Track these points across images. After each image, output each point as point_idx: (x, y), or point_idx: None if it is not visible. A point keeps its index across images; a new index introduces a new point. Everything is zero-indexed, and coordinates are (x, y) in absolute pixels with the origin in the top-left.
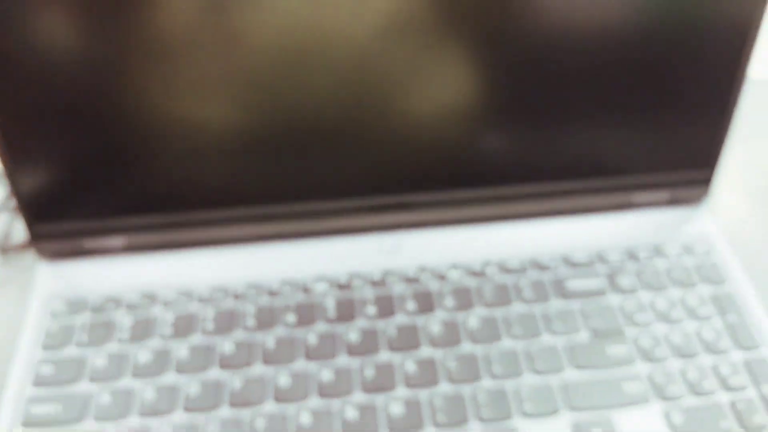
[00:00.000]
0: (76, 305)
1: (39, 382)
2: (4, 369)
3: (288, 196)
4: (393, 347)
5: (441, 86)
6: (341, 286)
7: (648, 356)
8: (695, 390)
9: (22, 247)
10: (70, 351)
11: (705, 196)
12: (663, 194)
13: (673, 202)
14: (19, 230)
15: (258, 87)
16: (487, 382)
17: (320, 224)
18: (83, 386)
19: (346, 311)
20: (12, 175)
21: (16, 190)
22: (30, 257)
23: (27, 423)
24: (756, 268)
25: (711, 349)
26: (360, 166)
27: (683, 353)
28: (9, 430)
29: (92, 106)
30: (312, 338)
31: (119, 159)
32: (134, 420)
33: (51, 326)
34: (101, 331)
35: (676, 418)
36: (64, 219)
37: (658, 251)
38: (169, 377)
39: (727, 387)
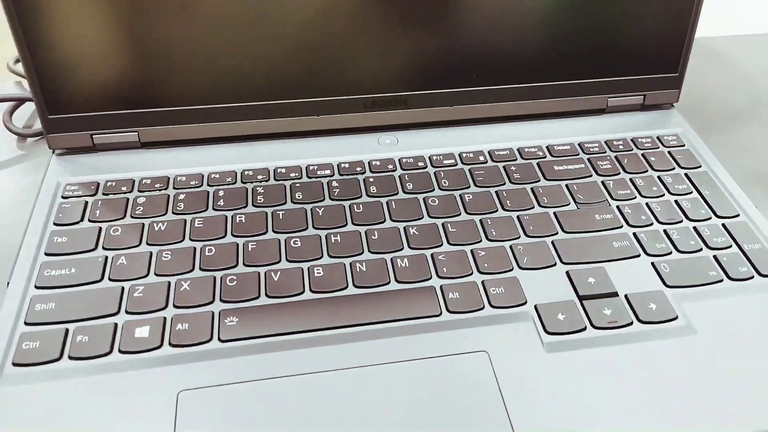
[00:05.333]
0: (86, 187)
1: (52, 250)
2: (12, 246)
3: (294, 94)
4: (394, 218)
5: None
6: (344, 170)
7: (633, 221)
8: (680, 247)
9: (35, 137)
10: (83, 225)
11: (675, 101)
12: (637, 98)
13: (646, 107)
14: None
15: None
16: (485, 243)
17: (321, 121)
18: (98, 252)
19: (349, 189)
20: (31, 68)
21: (33, 83)
22: (44, 150)
23: (41, 286)
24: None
25: (692, 216)
26: (360, 69)
27: (666, 219)
28: (23, 294)
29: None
30: (318, 211)
31: (134, 57)
32: (151, 278)
33: (62, 204)
34: (114, 208)
35: (664, 269)
36: (78, 113)
37: (634, 142)
38: (183, 244)
39: (711, 246)
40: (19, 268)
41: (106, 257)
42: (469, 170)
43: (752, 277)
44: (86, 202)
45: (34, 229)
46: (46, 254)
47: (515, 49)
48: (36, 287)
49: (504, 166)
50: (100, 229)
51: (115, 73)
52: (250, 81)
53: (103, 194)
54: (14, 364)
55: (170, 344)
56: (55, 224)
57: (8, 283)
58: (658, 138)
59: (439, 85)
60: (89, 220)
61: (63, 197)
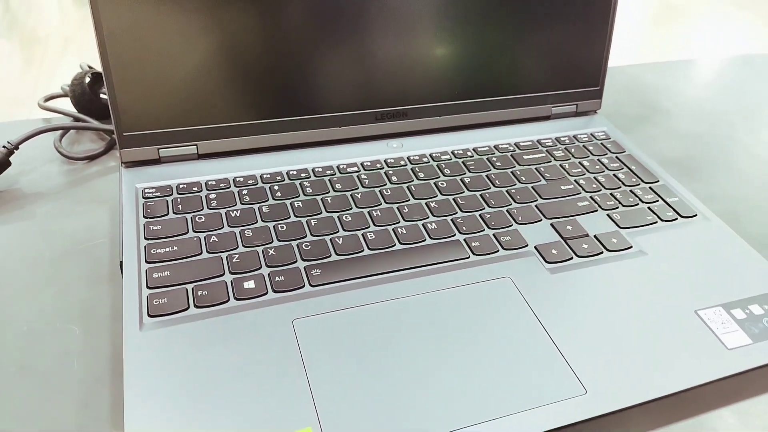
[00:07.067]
0: (162, 190)
1: (151, 236)
2: (99, 240)
3: (321, 110)
4: (416, 197)
5: (422, 36)
6: (367, 167)
7: (588, 189)
8: (623, 203)
9: (83, 160)
10: (171, 216)
11: (598, 108)
12: (571, 107)
13: (579, 113)
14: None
15: (294, 33)
16: (488, 209)
17: (342, 131)
18: (192, 234)
19: (376, 179)
20: (113, 94)
21: (113, 106)
22: (93, 170)
23: (152, 261)
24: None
25: (627, 183)
26: (372, 88)
27: (610, 186)
28: (138, 268)
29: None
30: (357, 196)
31: (194, 83)
32: (241, 249)
33: (147, 203)
34: (193, 203)
35: (617, 217)
36: (146, 130)
37: (576, 138)
38: (258, 224)
39: (644, 201)
40: (126, 250)
41: (200, 237)
42: (463, 162)
43: (676, 218)
44: (167, 201)
45: (127, 222)
46: (146, 238)
47: (485, 73)
48: (147, 262)
49: (487, 158)
50: (186, 218)
51: (178, 96)
52: (286, 100)
53: (179, 194)
54: (150, 315)
55: (273, 291)
56: (145, 217)
57: (121, 262)
58: (591, 134)
59: (431, 100)
60: (174, 213)
61: (144, 197)
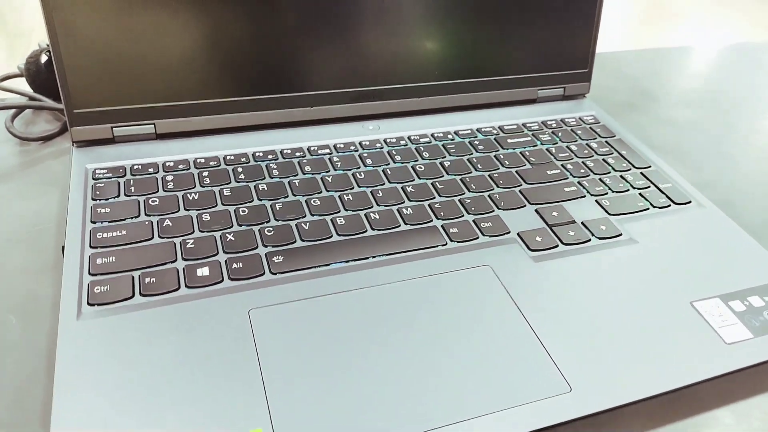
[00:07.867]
0: (115, 171)
1: (98, 219)
2: (46, 225)
3: (291, 88)
4: (392, 181)
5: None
6: (340, 149)
7: (575, 174)
8: (613, 189)
9: (37, 141)
10: (122, 199)
11: (587, 92)
12: (559, 90)
13: (566, 97)
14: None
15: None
16: (468, 194)
17: (314, 111)
18: (143, 218)
19: (349, 162)
20: (61, 67)
21: (61, 80)
22: (47, 152)
23: (96, 246)
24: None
25: (617, 169)
26: (347, 66)
27: (599, 171)
28: (81, 253)
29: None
30: (328, 179)
31: (151, 56)
32: (197, 234)
33: (96, 184)
34: (147, 185)
35: (606, 203)
36: (99, 107)
37: (563, 122)
38: (218, 208)
39: (635, 187)
40: (71, 235)
41: (152, 221)
42: (443, 145)
43: (669, 205)
44: (118, 182)
45: (74, 205)
46: (93, 222)
47: (468, 53)
48: (91, 247)
49: (469, 141)
50: (138, 201)
51: (134, 70)
52: (253, 77)
53: (132, 175)
54: (89, 304)
55: (230, 278)
56: (93, 199)
57: (63, 247)
58: (580, 118)
59: (410, 80)
60: (126, 195)
61: (95, 179)
